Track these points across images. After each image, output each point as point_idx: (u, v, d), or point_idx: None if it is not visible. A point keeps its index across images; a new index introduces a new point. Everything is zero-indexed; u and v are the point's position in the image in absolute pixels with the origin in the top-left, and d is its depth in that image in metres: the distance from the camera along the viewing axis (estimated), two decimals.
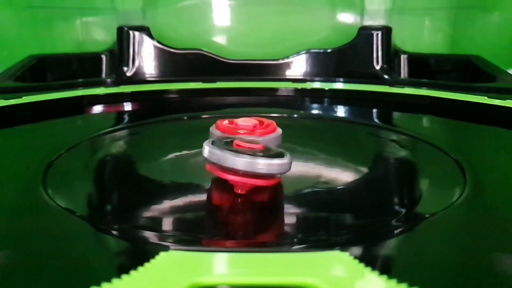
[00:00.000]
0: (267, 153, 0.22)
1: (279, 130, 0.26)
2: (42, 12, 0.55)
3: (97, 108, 0.42)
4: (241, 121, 0.25)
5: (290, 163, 0.21)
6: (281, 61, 0.54)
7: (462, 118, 0.38)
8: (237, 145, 0.22)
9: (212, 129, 0.25)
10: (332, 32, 0.58)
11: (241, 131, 0.24)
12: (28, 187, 0.23)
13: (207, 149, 0.22)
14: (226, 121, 0.25)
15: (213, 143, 0.22)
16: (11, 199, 0.22)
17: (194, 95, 0.47)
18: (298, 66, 0.54)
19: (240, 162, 0.21)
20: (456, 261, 0.17)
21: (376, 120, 0.41)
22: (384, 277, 0.14)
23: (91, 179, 0.26)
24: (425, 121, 0.40)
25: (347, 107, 0.44)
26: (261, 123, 0.26)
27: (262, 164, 0.20)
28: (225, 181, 0.25)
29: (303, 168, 0.27)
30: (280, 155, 0.21)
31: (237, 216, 0.22)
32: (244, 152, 0.21)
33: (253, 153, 0.21)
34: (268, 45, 0.58)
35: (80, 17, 0.57)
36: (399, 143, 0.33)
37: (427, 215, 0.21)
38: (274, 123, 0.26)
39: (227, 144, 0.22)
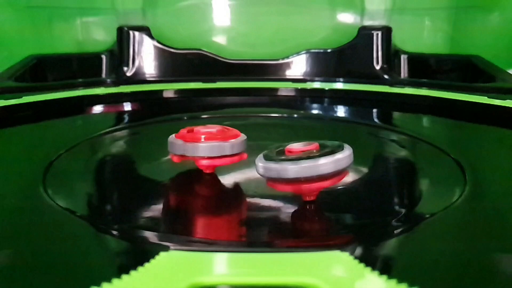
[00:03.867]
0: (325, 150, 0.20)
1: (243, 136, 0.25)
2: (42, 12, 0.55)
3: (97, 108, 0.42)
4: (201, 128, 0.24)
5: (352, 154, 0.20)
6: (281, 61, 0.54)
7: (462, 118, 0.38)
8: (289, 151, 0.21)
9: (172, 139, 0.24)
10: (332, 32, 0.58)
11: (203, 136, 0.23)
12: (28, 187, 0.23)
13: (261, 166, 0.20)
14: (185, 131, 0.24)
15: (265, 157, 0.21)
16: (11, 199, 0.22)
17: (194, 95, 0.47)
18: (298, 66, 0.54)
19: (301, 169, 0.19)
20: (456, 261, 0.17)
21: (376, 120, 0.41)
22: (384, 277, 0.14)
23: (91, 179, 0.26)
24: (425, 121, 0.40)
25: (347, 107, 0.44)
26: (223, 130, 0.24)
27: (325, 164, 0.19)
28: (224, 181, 0.26)
29: None
30: (339, 149, 0.20)
31: (237, 216, 0.22)
32: (301, 158, 0.20)
33: (310, 156, 0.20)
34: (268, 45, 0.57)
35: (80, 17, 0.57)
36: (399, 143, 0.33)
37: (427, 215, 0.21)
38: (237, 131, 0.25)
39: (280, 154, 0.21)
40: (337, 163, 0.20)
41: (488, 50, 0.52)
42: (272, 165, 0.20)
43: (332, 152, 0.20)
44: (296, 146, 0.21)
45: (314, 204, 0.22)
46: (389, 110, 0.43)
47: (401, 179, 0.28)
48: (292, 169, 0.19)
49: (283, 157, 0.20)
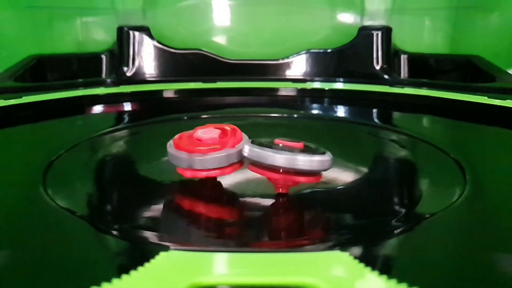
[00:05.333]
0: (308, 150, 0.22)
1: (245, 137, 0.24)
2: (42, 12, 0.55)
3: (97, 108, 0.42)
4: (202, 133, 0.23)
5: (331, 160, 0.22)
6: (281, 61, 0.54)
7: (462, 118, 0.38)
8: (276, 143, 0.22)
9: (170, 148, 0.23)
10: (332, 32, 0.58)
11: (204, 148, 0.22)
12: (28, 187, 0.23)
13: (247, 148, 0.22)
14: (185, 136, 0.23)
15: (253, 142, 0.22)
16: (11, 199, 0.22)
17: (194, 95, 0.47)
18: (298, 66, 0.54)
19: (280, 158, 0.21)
20: (456, 261, 0.17)
21: (376, 120, 0.41)
22: (384, 277, 0.14)
23: (91, 179, 0.26)
24: (425, 121, 0.40)
25: (347, 107, 0.44)
26: (224, 132, 0.24)
27: (303, 160, 0.21)
28: (224, 181, 0.26)
29: None
30: (321, 152, 0.22)
31: (237, 216, 0.22)
32: (284, 150, 0.21)
33: (293, 150, 0.21)
34: (268, 45, 0.57)
35: (80, 17, 0.57)
36: (399, 143, 0.33)
37: (427, 215, 0.21)
38: (238, 129, 0.24)
39: (268, 143, 0.22)
40: (320, 163, 0.21)
41: (488, 50, 0.52)
42: (257, 150, 0.21)
43: (314, 153, 0.21)
44: (283, 140, 0.22)
45: (285, 197, 0.23)
46: (389, 110, 0.43)
47: (401, 179, 0.28)
48: (273, 156, 0.21)
49: (269, 146, 0.22)
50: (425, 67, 0.55)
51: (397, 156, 0.31)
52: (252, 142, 0.22)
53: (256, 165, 0.22)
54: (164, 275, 0.15)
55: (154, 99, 0.46)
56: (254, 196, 0.24)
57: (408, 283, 0.14)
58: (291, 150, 0.21)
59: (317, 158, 0.21)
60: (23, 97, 0.39)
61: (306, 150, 0.22)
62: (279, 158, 0.21)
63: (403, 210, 0.22)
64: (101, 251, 0.18)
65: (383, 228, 0.20)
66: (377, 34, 0.53)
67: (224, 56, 0.54)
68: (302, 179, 0.22)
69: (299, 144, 0.22)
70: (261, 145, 0.22)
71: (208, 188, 0.25)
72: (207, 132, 0.23)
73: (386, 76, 0.52)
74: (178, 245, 0.18)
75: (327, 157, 0.21)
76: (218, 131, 0.23)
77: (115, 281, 0.14)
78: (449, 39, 0.57)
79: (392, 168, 0.30)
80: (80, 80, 0.50)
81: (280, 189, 0.23)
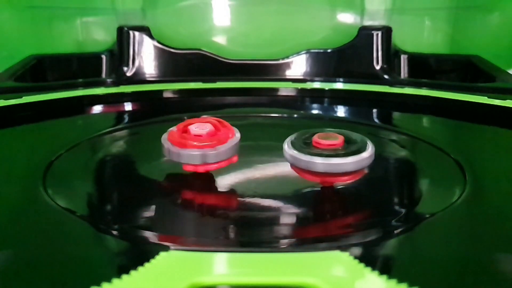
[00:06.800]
0: (347, 148, 0.22)
1: (237, 135, 0.25)
2: (42, 12, 0.55)
3: (97, 108, 0.42)
4: (195, 128, 0.24)
5: (371, 156, 0.22)
6: (281, 61, 0.54)
7: (462, 118, 0.38)
8: (316, 142, 0.22)
9: (164, 141, 0.24)
10: (332, 32, 0.58)
11: (194, 143, 0.23)
12: (28, 187, 0.23)
13: (288, 153, 0.22)
14: (176, 130, 0.25)
15: (292, 144, 0.23)
16: (11, 199, 0.22)
17: (194, 95, 0.47)
18: (298, 66, 0.54)
19: (316, 165, 0.21)
20: (456, 261, 0.17)
21: (376, 120, 0.41)
22: (384, 277, 0.14)
23: (91, 179, 0.26)
24: (425, 121, 0.40)
25: (347, 107, 0.44)
26: (217, 127, 0.25)
27: (339, 165, 0.21)
28: (224, 181, 0.26)
29: None
30: (360, 150, 0.22)
31: (237, 216, 0.22)
32: (321, 152, 0.21)
33: (332, 153, 0.21)
34: (268, 45, 0.57)
35: (80, 17, 0.57)
36: (399, 143, 0.33)
37: (427, 215, 0.21)
38: (229, 125, 0.25)
39: (307, 143, 0.23)
40: (362, 162, 0.21)
41: (488, 50, 0.52)
42: (301, 157, 0.22)
43: (358, 150, 0.22)
44: (323, 140, 0.22)
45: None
46: (389, 110, 0.43)
47: (401, 179, 0.28)
48: (320, 165, 0.21)
49: (311, 150, 0.22)
50: (425, 67, 0.55)
51: (397, 156, 0.31)
52: (292, 141, 0.23)
53: (297, 167, 0.22)
54: (164, 275, 0.15)
55: (154, 99, 0.46)
56: (254, 196, 0.24)
57: (408, 283, 0.14)
58: (328, 152, 0.21)
59: (353, 160, 0.21)
60: (23, 97, 0.39)
61: (344, 149, 0.22)
62: (315, 165, 0.21)
63: (403, 210, 0.22)
64: (101, 251, 0.18)
65: (383, 228, 0.20)
66: (377, 34, 0.53)
67: (224, 56, 0.54)
68: (343, 178, 0.22)
69: (339, 142, 0.22)
70: (297, 146, 0.22)
71: (208, 188, 0.25)
72: (199, 127, 0.24)
73: (386, 76, 0.52)
74: (178, 245, 0.18)
75: (365, 154, 0.21)
76: (210, 127, 0.24)
77: (115, 281, 0.14)
78: (449, 39, 0.57)
79: (392, 168, 0.30)
80: (80, 80, 0.49)
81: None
